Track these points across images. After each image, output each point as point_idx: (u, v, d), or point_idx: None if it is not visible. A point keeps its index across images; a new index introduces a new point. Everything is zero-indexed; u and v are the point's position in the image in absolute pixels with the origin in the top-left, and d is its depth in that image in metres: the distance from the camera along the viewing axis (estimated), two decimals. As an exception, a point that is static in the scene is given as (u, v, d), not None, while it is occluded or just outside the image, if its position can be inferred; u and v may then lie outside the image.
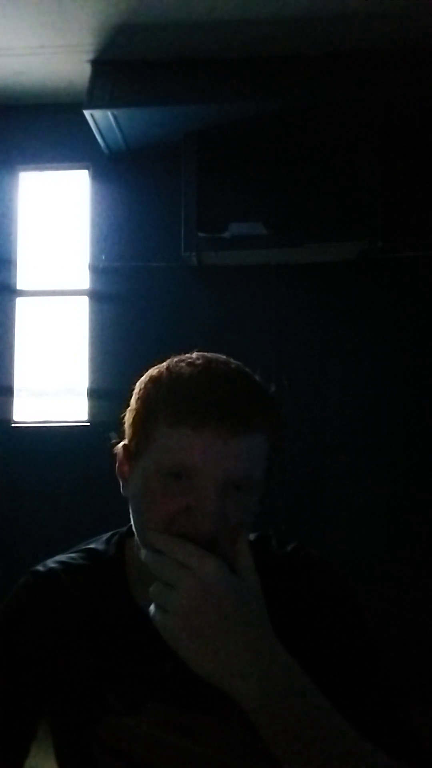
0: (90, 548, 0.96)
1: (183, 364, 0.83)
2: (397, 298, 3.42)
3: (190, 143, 3.29)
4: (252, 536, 0.96)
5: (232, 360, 0.86)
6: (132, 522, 0.86)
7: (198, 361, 0.83)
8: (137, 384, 0.87)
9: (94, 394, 3.43)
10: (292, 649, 0.74)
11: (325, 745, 0.68)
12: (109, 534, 0.98)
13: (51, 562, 0.94)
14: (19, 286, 3.60)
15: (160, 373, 0.84)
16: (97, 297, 3.52)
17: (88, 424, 3.40)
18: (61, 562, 0.93)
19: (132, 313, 3.47)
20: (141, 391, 0.85)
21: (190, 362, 0.83)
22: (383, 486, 3.36)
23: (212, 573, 0.73)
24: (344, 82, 3.13)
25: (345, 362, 3.41)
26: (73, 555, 0.95)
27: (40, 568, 0.93)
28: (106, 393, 3.37)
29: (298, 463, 3.33)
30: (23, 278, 3.63)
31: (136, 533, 0.85)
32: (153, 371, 0.86)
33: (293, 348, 3.42)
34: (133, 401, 0.86)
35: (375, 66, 3.13)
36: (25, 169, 3.66)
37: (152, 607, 0.74)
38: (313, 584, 0.90)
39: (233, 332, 3.38)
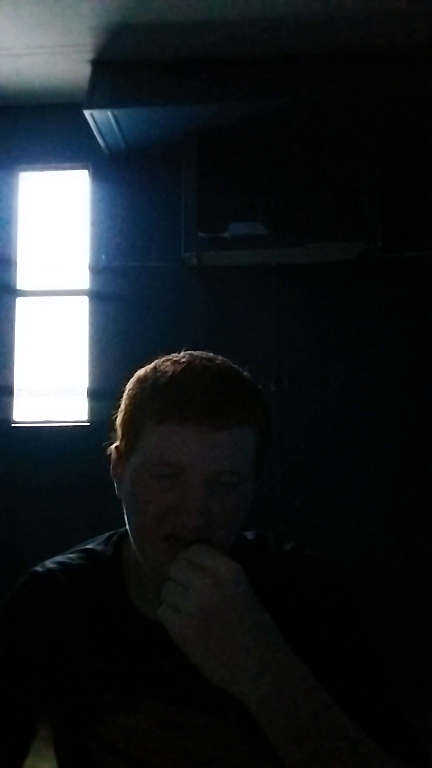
0: (88, 549, 0.97)
1: (168, 362, 0.84)
2: (397, 298, 3.42)
3: (190, 143, 3.29)
4: (250, 536, 0.96)
5: (218, 357, 0.87)
6: (126, 521, 0.86)
7: (182, 360, 0.84)
8: (127, 385, 0.88)
9: (94, 394, 3.43)
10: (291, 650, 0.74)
11: (334, 748, 0.68)
12: (107, 534, 0.99)
13: (49, 563, 0.94)
14: (19, 286, 3.60)
15: (146, 374, 0.85)
16: (97, 297, 3.52)
17: (88, 424, 3.40)
18: (59, 563, 0.94)
19: (132, 313, 3.47)
20: (129, 392, 0.86)
21: (174, 361, 0.84)
22: (383, 485, 3.36)
23: (227, 575, 0.73)
24: (344, 82, 3.13)
25: (345, 362, 3.41)
26: (71, 555, 0.96)
27: (38, 568, 0.93)
28: (106, 393, 3.36)
29: (298, 462, 3.33)
30: (23, 278, 3.63)
31: (129, 533, 0.86)
32: (140, 372, 0.87)
33: (293, 348, 3.42)
34: (122, 402, 0.87)
35: (375, 66, 3.13)
36: (25, 169, 3.66)
37: (162, 607, 0.74)
38: (311, 585, 0.90)
39: (233, 332, 3.38)
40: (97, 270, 3.53)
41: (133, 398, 0.85)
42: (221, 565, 0.74)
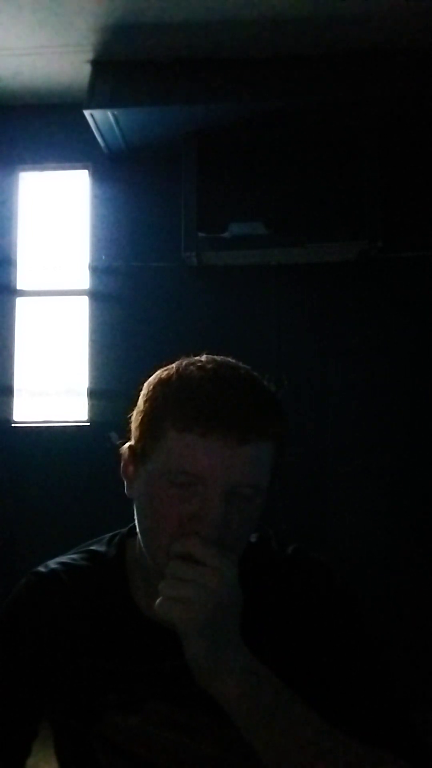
0: (91, 549, 0.96)
1: (192, 367, 0.82)
2: (397, 298, 3.42)
3: (190, 143, 3.29)
4: (253, 538, 0.96)
5: (241, 364, 0.85)
6: (136, 523, 0.86)
7: (208, 366, 0.82)
8: (145, 385, 0.86)
9: (94, 394, 3.43)
10: (290, 650, 0.75)
11: (294, 733, 0.74)
12: (110, 535, 0.99)
13: (52, 563, 0.94)
14: (19, 286, 3.60)
15: (169, 376, 0.83)
16: (97, 297, 3.52)
17: (88, 424, 3.40)
18: (62, 563, 0.94)
19: (132, 313, 3.47)
20: (149, 393, 0.84)
21: (200, 366, 0.82)
22: (384, 485, 3.36)
23: (232, 576, 0.76)
24: (344, 82, 3.13)
25: (345, 362, 3.41)
26: (74, 556, 0.95)
27: (41, 569, 0.93)
28: (106, 393, 3.37)
29: (298, 462, 3.33)
30: (23, 278, 3.63)
31: (140, 534, 0.85)
32: (162, 373, 0.85)
33: (293, 348, 3.42)
34: (140, 402, 0.85)
35: (375, 66, 3.13)
36: (25, 169, 3.66)
37: (162, 601, 0.75)
38: (313, 587, 0.91)
39: (233, 332, 3.38)
40: (97, 270, 3.53)
41: (154, 401, 0.83)
42: (228, 565, 0.76)
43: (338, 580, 0.92)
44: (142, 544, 0.85)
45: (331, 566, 0.94)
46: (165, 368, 0.85)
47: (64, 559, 0.95)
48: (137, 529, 0.86)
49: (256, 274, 3.43)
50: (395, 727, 0.81)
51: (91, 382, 3.45)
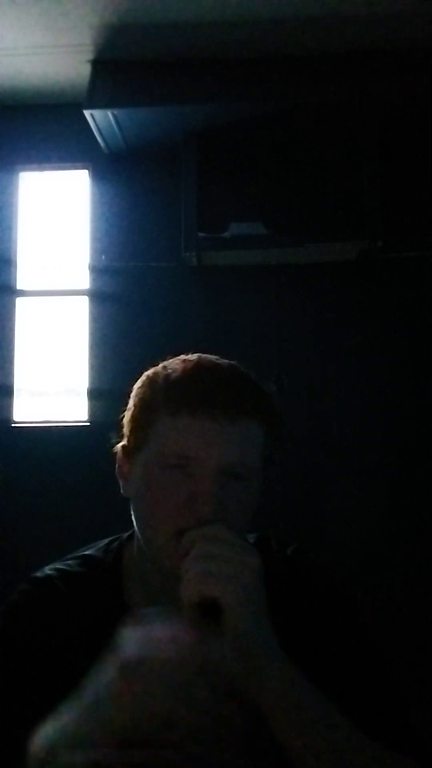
0: (86, 555, 0.97)
1: (178, 361, 0.88)
2: (397, 298, 3.42)
3: (190, 143, 3.29)
4: (252, 538, 0.96)
5: (223, 359, 0.91)
6: (133, 518, 0.87)
7: (191, 358, 0.88)
8: (135, 385, 0.91)
9: (94, 394, 3.43)
10: (291, 651, 0.75)
11: (324, 723, 0.74)
12: (108, 540, 0.99)
13: (48, 569, 0.95)
14: (19, 286, 3.60)
15: (155, 372, 0.89)
16: (97, 297, 3.52)
17: (88, 424, 3.40)
18: (58, 570, 0.94)
19: (132, 313, 3.47)
20: (137, 390, 0.89)
21: (184, 359, 0.88)
22: (383, 485, 3.36)
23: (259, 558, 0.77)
24: (344, 82, 3.13)
25: (345, 362, 3.41)
26: (69, 562, 0.96)
27: (37, 574, 0.94)
28: (106, 393, 3.37)
29: (297, 462, 3.33)
30: (23, 278, 3.63)
31: (137, 528, 0.86)
32: (148, 372, 0.90)
33: (293, 348, 3.42)
34: (130, 402, 0.90)
35: (375, 66, 3.13)
36: (25, 169, 3.65)
37: (196, 575, 0.74)
38: (313, 588, 0.91)
39: (233, 332, 3.38)
40: (97, 270, 3.52)
41: (143, 395, 0.87)
42: (246, 545, 0.77)
43: (338, 580, 0.93)
44: (140, 538, 0.86)
45: (331, 567, 0.94)
46: (151, 369, 0.91)
47: (60, 565, 0.96)
48: (135, 525, 0.87)
49: (256, 275, 3.43)
50: (396, 727, 0.81)
51: (91, 382, 3.45)
